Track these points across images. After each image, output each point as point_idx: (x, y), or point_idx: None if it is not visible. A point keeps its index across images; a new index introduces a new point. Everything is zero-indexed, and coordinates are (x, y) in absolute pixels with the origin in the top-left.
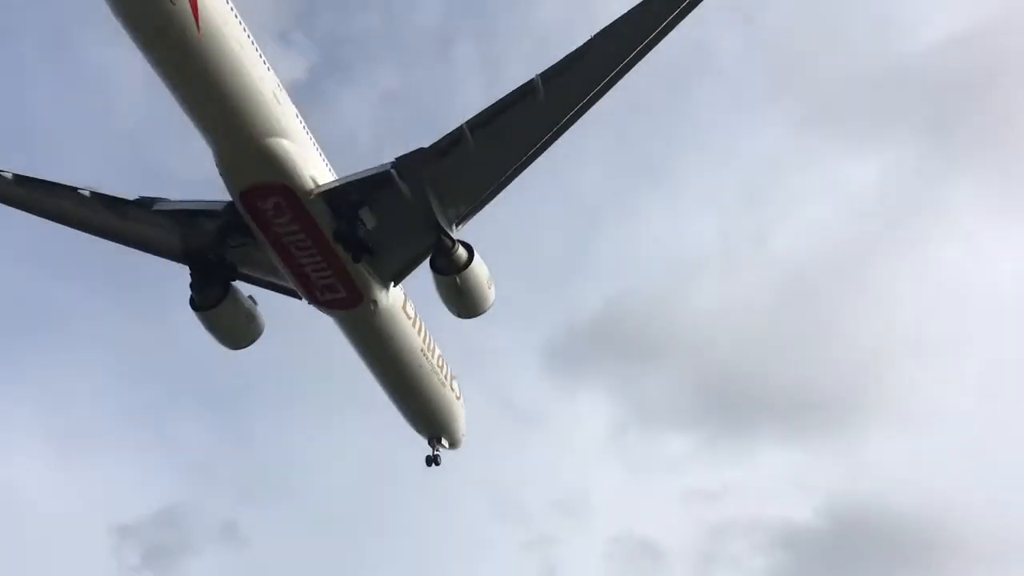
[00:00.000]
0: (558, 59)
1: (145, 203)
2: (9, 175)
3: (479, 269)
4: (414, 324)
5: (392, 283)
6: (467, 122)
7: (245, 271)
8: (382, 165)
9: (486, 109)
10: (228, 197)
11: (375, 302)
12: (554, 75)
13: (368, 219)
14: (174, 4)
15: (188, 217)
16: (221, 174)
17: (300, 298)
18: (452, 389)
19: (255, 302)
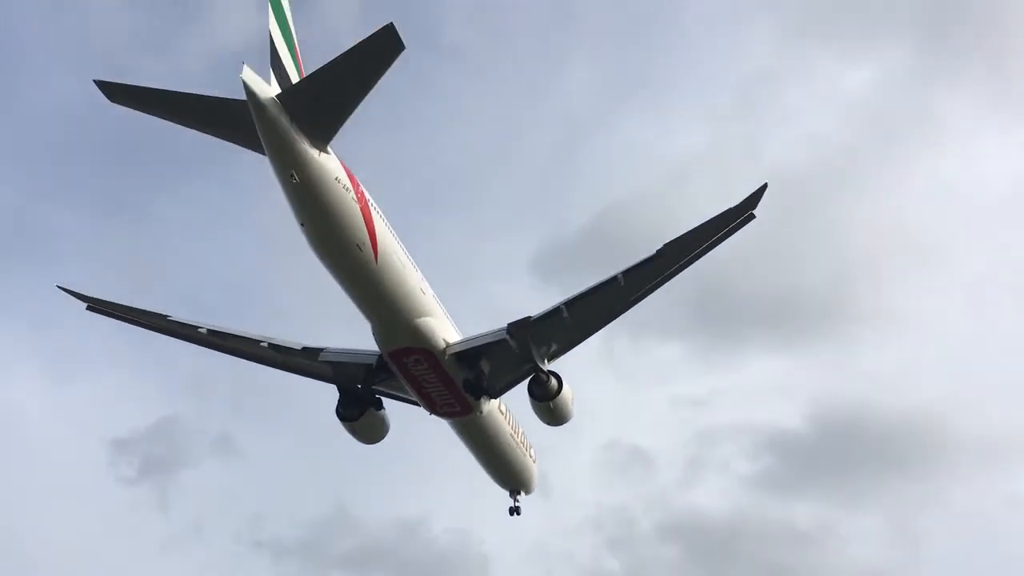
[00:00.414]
0: (638, 260)
1: (311, 353)
2: (204, 330)
3: (567, 394)
4: (506, 418)
5: (495, 398)
6: (564, 302)
7: (381, 391)
8: (498, 331)
9: (579, 293)
10: (376, 348)
11: (481, 411)
12: (632, 271)
13: (485, 365)
14: (361, 250)
15: (344, 365)
16: (376, 339)
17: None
18: (530, 455)
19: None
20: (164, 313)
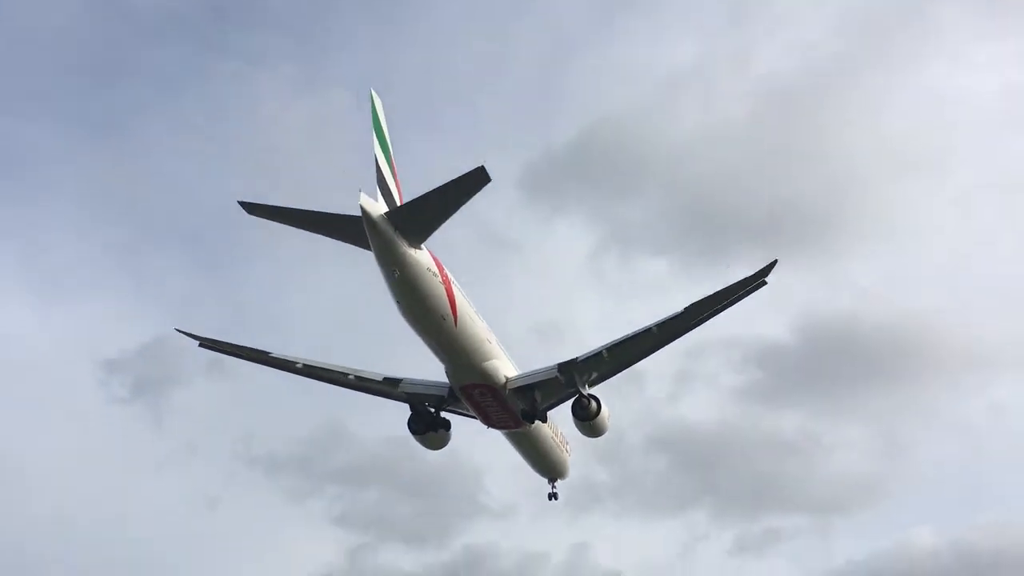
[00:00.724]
0: (667, 316)
1: (391, 382)
2: (300, 364)
3: (604, 413)
4: (550, 426)
5: (544, 421)
6: (605, 347)
7: (447, 410)
8: (550, 368)
9: (618, 340)
10: (447, 381)
11: (530, 425)
12: (663, 324)
13: (537, 395)
14: (444, 320)
15: (419, 394)
16: (448, 376)
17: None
18: (565, 450)
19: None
20: (266, 350)
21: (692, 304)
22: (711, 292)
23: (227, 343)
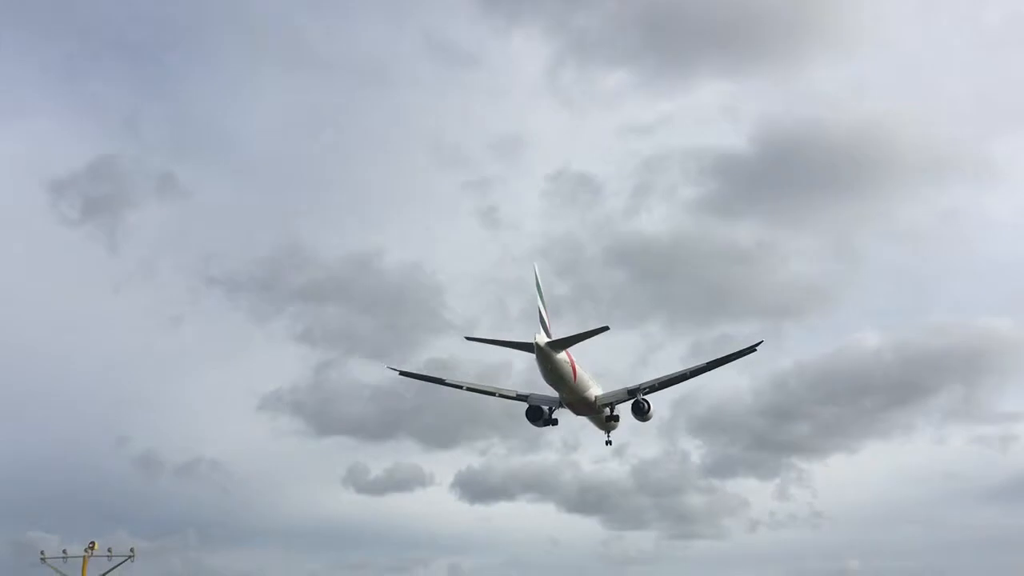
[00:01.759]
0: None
1: (523, 396)
2: (465, 387)
3: (653, 410)
4: (609, 409)
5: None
6: (657, 382)
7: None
8: (622, 391)
9: (661, 379)
10: (557, 395)
11: (603, 411)
12: (697, 368)
13: (614, 403)
14: (567, 380)
15: (540, 405)
16: (561, 399)
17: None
18: (615, 415)
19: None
20: (442, 377)
21: (712, 360)
22: (721, 355)
23: (417, 374)
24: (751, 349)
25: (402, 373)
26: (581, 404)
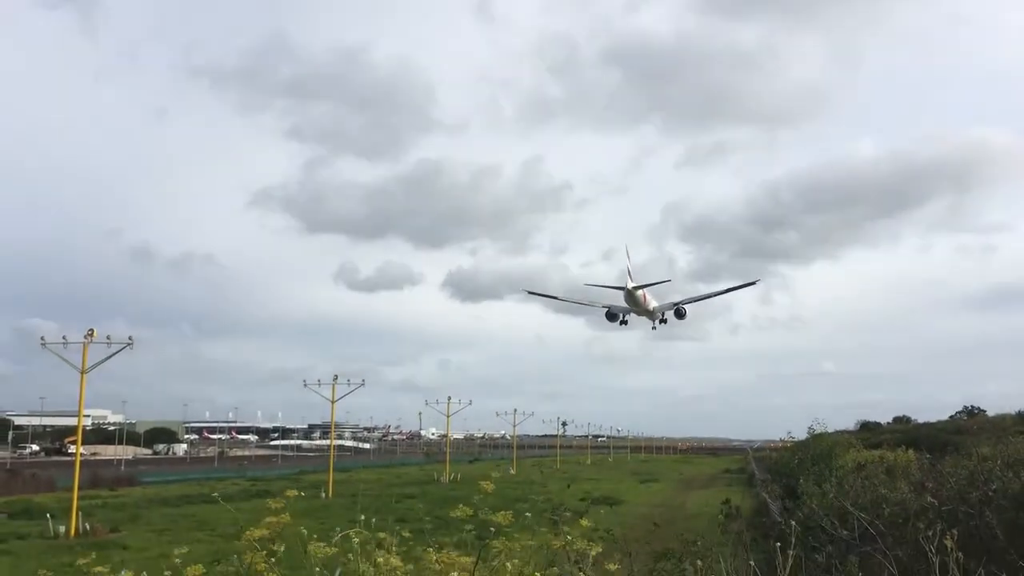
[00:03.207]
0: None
1: (606, 306)
2: (570, 300)
3: (687, 315)
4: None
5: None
6: (697, 296)
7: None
8: (670, 304)
9: (697, 296)
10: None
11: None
12: (730, 288)
13: (664, 311)
14: (642, 304)
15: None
16: (633, 311)
17: None
18: (665, 318)
19: None
20: (556, 295)
21: (720, 290)
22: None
23: (542, 293)
24: (750, 283)
25: (530, 293)
26: (645, 313)
